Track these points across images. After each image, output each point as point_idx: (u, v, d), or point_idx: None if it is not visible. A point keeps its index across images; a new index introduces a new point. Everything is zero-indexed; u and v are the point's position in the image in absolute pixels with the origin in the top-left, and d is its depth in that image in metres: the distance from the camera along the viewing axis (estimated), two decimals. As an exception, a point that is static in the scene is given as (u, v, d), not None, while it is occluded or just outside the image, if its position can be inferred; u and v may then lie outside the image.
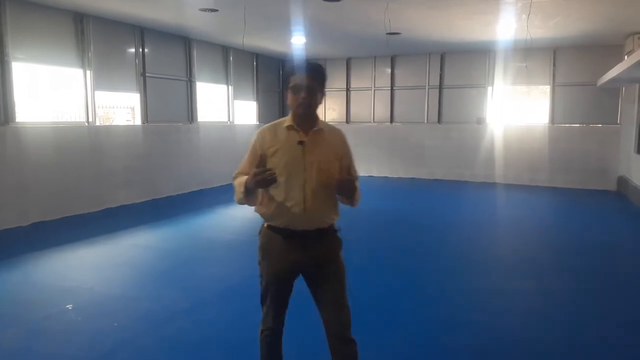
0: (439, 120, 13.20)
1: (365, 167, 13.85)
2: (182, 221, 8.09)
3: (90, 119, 8.70)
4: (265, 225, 2.64)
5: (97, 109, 8.84)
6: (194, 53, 11.06)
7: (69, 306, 4.34)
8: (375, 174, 13.78)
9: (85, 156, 8.51)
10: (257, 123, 13.67)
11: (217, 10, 8.09)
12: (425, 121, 13.34)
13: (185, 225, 7.85)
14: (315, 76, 2.51)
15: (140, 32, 9.62)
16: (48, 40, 7.96)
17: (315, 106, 2.54)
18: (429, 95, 13.25)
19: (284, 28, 9.73)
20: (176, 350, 3.60)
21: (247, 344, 3.32)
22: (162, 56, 10.26)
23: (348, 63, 13.97)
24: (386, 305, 4.49)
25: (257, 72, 13.52)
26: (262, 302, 2.69)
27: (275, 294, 2.62)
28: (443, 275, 5.37)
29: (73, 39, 8.36)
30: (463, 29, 9.71)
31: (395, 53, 13.26)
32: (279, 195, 2.51)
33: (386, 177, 13.58)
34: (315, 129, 2.55)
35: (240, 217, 8.64)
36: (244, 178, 2.49)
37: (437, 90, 13.14)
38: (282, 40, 11.21)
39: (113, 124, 9.88)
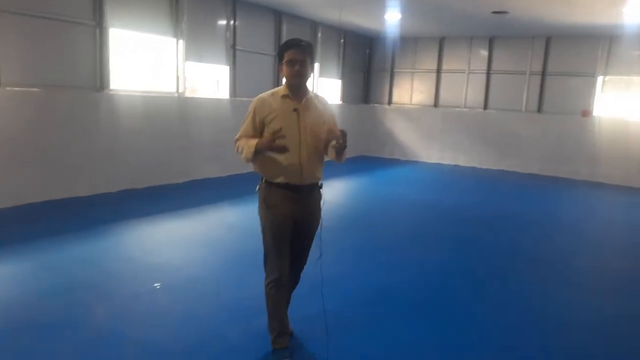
0: (539, 110, 12.11)
1: (452, 155, 13.07)
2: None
3: (180, 90, 8.62)
4: (264, 181, 3.04)
5: (186, 80, 8.74)
6: (284, 28, 10.72)
7: (157, 285, 4.15)
8: (461, 162, 12.95)
9: (174, 126, 8.46)
10: (341, 103, 13.22)
11: (315, -19, 7.65)
12: (523, 110, 12.29)
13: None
14: (307, 52, 2.95)
15: (233, 3, 9.38)
16: (144, 8, 7.89)
17: (307, 78, 2.97)
18: (529, 81, 12.16)
19: (380, 2, 9.13)
20: (268, 347, 3.27)
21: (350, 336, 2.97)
22: (252, 30, 10.01)
23: (441, 43, 13.10)
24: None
25: (344, 50, 13.01)
26: (266, 255, 3.09)
27: (280, 241, 3.00)
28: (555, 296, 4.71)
29: (168, 8, 8.25)
30: (581, 8, 8.65)
31: (495, 34, 12.25)
32: (278, 155, 2.90)
33: (474, 167, 12.71)
34: (307, 96, 2.99)
35: (328, 201, 8.29)
36: (253, 141, 2.90)
37: (540, 76, 12.03)
38: (375, 16, 10.61)
39: (197, 95, 9.79)
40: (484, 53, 12.63)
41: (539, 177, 11.67)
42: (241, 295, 4.05)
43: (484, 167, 12.64)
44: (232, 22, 9.47)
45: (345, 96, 13.39)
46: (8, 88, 6.27)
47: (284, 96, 2.96)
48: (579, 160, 11.63)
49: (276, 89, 3.04)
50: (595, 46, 11.33)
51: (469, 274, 4.99)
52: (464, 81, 12.96)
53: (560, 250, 6.08)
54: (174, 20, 8.35)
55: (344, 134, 2.85)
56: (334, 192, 9.10)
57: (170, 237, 5.72)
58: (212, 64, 9.42)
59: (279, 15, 10.56)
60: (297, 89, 2.96)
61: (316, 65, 11.99)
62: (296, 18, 11.05)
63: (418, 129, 13.56)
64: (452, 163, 13.04)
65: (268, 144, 2.84)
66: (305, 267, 3.29)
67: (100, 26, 7.24)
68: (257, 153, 2.89)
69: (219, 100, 9.61)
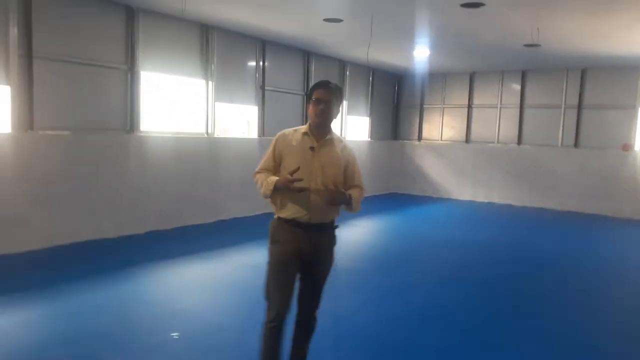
0: (576, 144, 11.69)
1: (486, 192, 12.67)
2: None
3: (209, 130, 8.68)
4: (276, 216, 3.02)
5: (216, 120, 8.80)
6: (312, 67, 10.80)
7: (175, 335, 3.99)
8: (496, 200, 12.53)
9: (202, 167, 8.47)
10: (369, 140, 13.12)
11: (342, 21, 7.67)
12: (560, 144, 11.88)
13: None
14: (334, 93, 2.98)
15: (262, 44, 9.52)
16: (175, 51, 8.05)
17: (331, 118, 2.99)
18: (564, 115, 11.80)
19: (408, 39, 9.09)
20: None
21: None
22: (281, 70, 10.10)
23: (472, 78, 12.93)
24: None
25: (372, 87, 13.00)
26: (267, 292, 3.01)
27: (283, 278, 2.95)
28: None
29: (198, 50, 8.41)
30: (617, 40, 8.39)
31: (527, 68, 12.02)
32: (290, 191, 2.86)
33: (509, 205, 12.27)
34: (326, 138, 3.00)
35: (357, 242, 8.07)
36: (273, 178, 2.90)
37: (575, 110, 11.65)
38: (403, 53, 10.58)
39: (228, 135, 9.84)
40: (517, 87, 12.38)
41: (578, 215, 11.15)
42: (263, 346, 3.83)
43: (519, 204, 12.19)
44: (261, 63, 9.58)
45: (373, 133, 13.29)
46: (40, 132, 6.40)
47: (304, 133, 2.99)
48: (621, 197, 11.06)
49: (301, 126, 3.07)
50: (634, 76, 10.93)
51: (503, 322, 4.65)
52: (496, 116, 12.69)
53: (603, 295, 5.66)
54: (204, 62, 8.49)
55: (331, 190, 2.81)
56: (363, 232, 8.88)
57: (194, 280, 5.60)
58: (241, 105, 9.50)
59: (307, 55, 10.65)
60: (319, 128, 2.98)
61: (344, 103, 11.98)
62: (324, 57, 11.12)
63: (449, 165, 13.27)
64: (486, 200, 12.63)
65: (286, 184, 2.83)
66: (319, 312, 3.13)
67: (132, 70, 7.40)
68: (276, 190, 2.88)
69: (248, 140, 9.63)
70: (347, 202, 2.93)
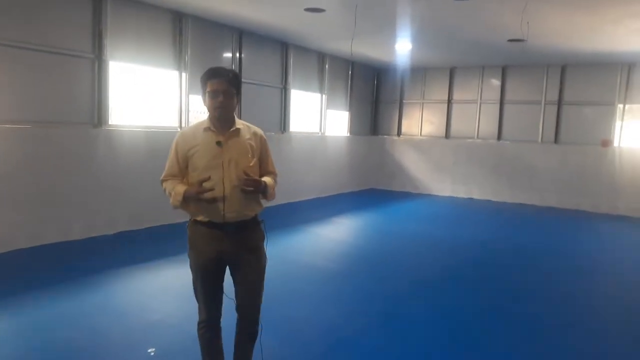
0: (556, 140, 11.65)
1: (465, 188, 12.57)
2: (271, 240, 7.22)
3: (183, 124, 8.23)
4: (192, 219, 2.81)
5: (190, 113, 8.37)
6: (290, 59, 10.42)
7: (152, 351, 3.62)
8: (476, 196, 12.43)
9: (175, 163, 8.03)
10: (349, 135, 12.84)
11: (324, 11, 7.33)
12: (539, 140, 11.83)
13: (275, 247, 6.94)
14: (231, 81, 2.74)
15: (239, 35, 9.10)
16: (146, 40, 7.57)
17: (232, 109, 2.79)
18: (544, 111, 11.74)
19: (390, 32, 8.82)
20: None
21: None
22: (258, 61, 9.70)
23: (452, 73, 12.76)
24: None
25: (352, 80, 12.70)
26: (195, 295, 2.89)
27: (204, 284, 2.80)
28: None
29: (170, 40, 7.95)
30: (601, 36, 8.29)
31: (508, 63, 11.91)
32: (208, 194, 2.66)
33: (489, 200, 12.19)
34: (232, 129, 2.77)
35: (335, 240, 7.79)
36: (180, 188, 2.72)
37: (556, 106, 11.61)
38: (384, 47, 10.31)
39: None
40: (497, 82, 12.27)
41: (557, 210, 11.13)
42: None
43: (499, 200, 12.11)
44: (237, 54, 9.17)
45: (353, 128, 13.01)
46: (0, 126, 5.88)
47: (206, 129, 2.77)
48: (599, 193, 11.09)
49: (200, 121, 2.85)
50: (613, 73, 10.93)
51: (488, 320, 4.43)
52: (475, 111, 12.56)
53: (583, 291, 5.53)
54: (177, 52, 8.03)
55: (246, 178, 2.67)
56: (340, 230, 8.62)
57: (169, 286, 5.21)
58: (216, 97, 9.06)
59: (285, 47, 10.27)
60: (222, 122, 2.76)
61: (323, 98, 11.66)
62: (303, 49, 10.76)
63: (429, 160, 13.11)
64: (466, 196, 12.52)
65: (196, 193, 2.65)
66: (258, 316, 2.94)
67: (100, 59, 6.90)
68: (185, 201, 2.72)
69: (223, 135, 9.21)
70: (263, 191, 2.76)
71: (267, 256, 2.92)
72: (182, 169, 2.78)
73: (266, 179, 2.81)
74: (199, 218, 2.75)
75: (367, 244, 7.79)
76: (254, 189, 2.70)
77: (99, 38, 6.86)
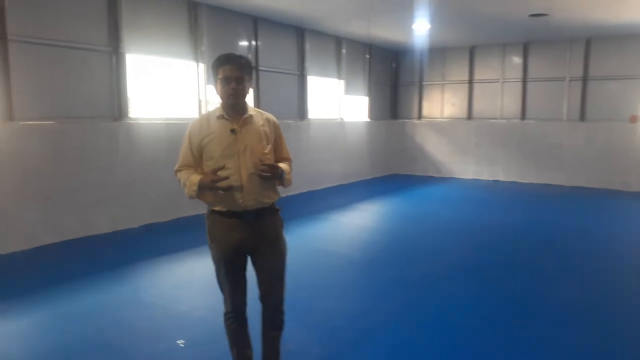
0: (582, 118, 11.31)
1: (490, 169, 12.32)
2: (292, 229, 7.13)
3: (202, 114, 8.20)
4: (210, 210, 2.77)
5: (208, 104, 8.33)
6: (307, 45, 10.29)
7: (181, 342, 3.60)
8: (501, 177, 12.18)
9: (196, 154, 8.01)
10: (369, 120, 12.68)
11: (339, -8, 7.18)
12: (565, 118, 11.50)
13: (296, 235, 6.81)
14: (243, 67, 2.68)
15: (254, 22, 9.00)
16: (161, 31, 7.53)
17: (245, 95, 2.72)
18: (569, 88, 11.40)
19: (407, 12, 8.60)
20: None
21: None
22: (274, 48, 9.59)
23: (472, 52, 12.47)
24: None
25: (370, 64, 12.50)
26: (219, 287, 2.86)
27: (227, 275, 2.76)
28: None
29: (186, 30, 7.89)
30: (629, 5, 7.95)
31: (529, 40, 11.57)
32: (222, 182, 2.61)
33: (515, 182, 11.93)
34: (245, 116, 2.72)
35: (357, 227, 7.71)
36: (195, 177, 2.67)
37: (581, 82, 11.25)
38: (402, 28, 10.09)
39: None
40: (518, 60, 11.94)
41: (586, 190, 10.84)
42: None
43: (525, 181, 11.85)
44: (253, 42, 9.08)
45: (372, 113, 12.84)
46: (22, 123, 5.92)
47: (219, 117, 2.72)
48: (629, 170, 10.76)
49: (212, 110, 2.81)
50: (641, 46, 10.54)
51: (530, 315, 4.31)
52: (498, 91, 12.26)
53: (619, 270, 5.34)
54: (193, 42, 7.98)
55: (263, 164, 2.61)
56: (363, 216, 8.52)
57: (194, 278, 5.20)
58: (234, 86, 9.00)
59: (301, 32, 10.14)
60: (234, 108, 2.71)
61: (342, 83, 11.51)
62: (319, 34, 10.61)
63: (451, 143, 12.88)
64: (491, 178, 12.28)
65: (211, 182, 2.61)
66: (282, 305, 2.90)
67: (117, 52, 6.89)
68: (201, 190, 2.67)
69: (242, 124, 9.16)
70: (280, 177, 2.71)
71: (287, 243, 2.88)
72: (197, 159, 2.74)
73: (282, 165, 2.76)
74: (217, 208, 2.72)
75: (391, 230, 7.69)
76: (271, 175, 2.64)
77: (115, 31, 6.84)
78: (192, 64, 8.03)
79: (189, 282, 5.08)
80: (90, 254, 5.86)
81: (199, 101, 8.17)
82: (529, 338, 3.77)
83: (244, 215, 2.68)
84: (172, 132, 7.65)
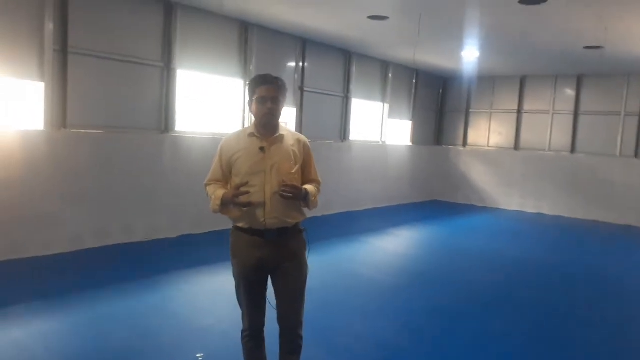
0: (637, 154, 10.82)
1: (534, 202, 11.94)
2: (326, 249, 7.11)
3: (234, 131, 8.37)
4: (234, 226, 2.81)
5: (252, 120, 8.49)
6: (353, 68, 10.38)
7: (200, 356, 3.65)
8: (546, 211, 11.77)
9: (236, 169, 8.15)
10: (411, 144, 12.58)
11: (387, 18, 7.23)
12: (618, 154, 11.04)
13: (329, 256, 6.84)
14: (280, 89, 2.75)
15: (302, 43, 9.18)
16: (213, 49, 7.80)
17: (279, 115, 2.78)
18: (624, 123, 10.95)
19: (456, 39, 8.55)
20: None
21: None
22: (320, 70, 9.73)
23: (522, 82, 12.21)
24: None
25: (416, 89, 12.46)
26: (239, 303, 2.88)
27: (245, 292, 2.80)
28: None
29: (236, 49, 8.14)
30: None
31: (584, 72, 11.23)
32: (243, 197, 2.66)
33: (560, 216, 11.50)
34: (275, 135, 2.77)
35: (391, 252, 7.62)
36: (220, 192, 2.75)
37: (637, 118, 10.80)
38: (450, 55, 10.02)
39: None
40: (571, 92, 11.59)
41: (637, 230, 10.30)
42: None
43: (572, 216, 11.39)
44: (301, 63, 9.25)
45: (416, 137, 12.75)
46: (73, 130, 6.24)
47: (250, 134, 2.78)
48: (687, 212, 10.17)
49: (245, 127, 2.90)
50: None
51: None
52: (547, 122, 11.92)
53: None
54: (243, 61, 8.21)
55: (285, 184, 2.63)
56: (398, 242, 8.41)
57: (225, 292, 5.23)
58: (279, 105, 9.16)
59: (348, 55, 10.25)
60: (267, 128, 2.77)
61: (386, 107, 11.51)
62: (366, 58, 10.69)
63: (496, 173, 12.58)
64: (535, 211, 11.89)
65: (232, 197, 2.66)
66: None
67: (168, 67, 7.18)
68: (223, 205, 2.73)
69: (284, 142, 9.28)
70: (304, 198, 2.71)
71: (308, 265, 2.88)
72: (226, 174, 2.81)
73: (308, 187, 2.77)
74: (240, 224, 2.75)
75: (424, 258, 7.55)
76: (292, 196, 2.65)
77: (169, 46, 7.13)
78: (240, 81, 8.25)
79: (217, 295, 5.15)
80: (127, 261, 6.06)
81: (244, 118, 8.36)
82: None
83: (265, 234, 2.70)
84: (216, 146, 7.85)
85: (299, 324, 2.85)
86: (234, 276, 2.87)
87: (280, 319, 2.84)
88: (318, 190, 2.87)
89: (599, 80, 11.25)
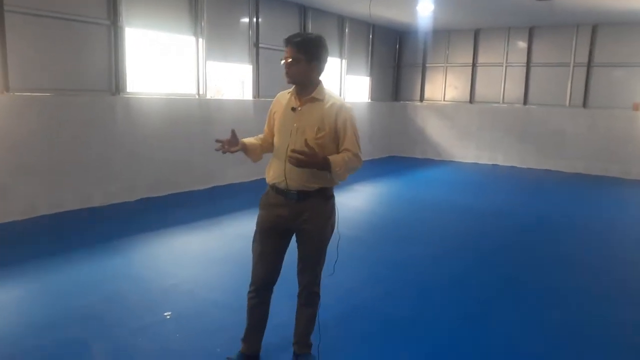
0: (585, 104, 11.23)
1: (489, 154, 12.30)
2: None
3: (201, 91, 8.17)
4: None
5: (207, 81, 8.28)
6: (309, 23, 10.18)
7: (167, 314, 3.66)
8: (500, 162, 12.16)
9: (195, 130, 8.00)
10: (370, 101, 12.61)
11: (341, -30, 7.07)
12: (567, 104, 11.43)
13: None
14: (298, 47, 2.65)
15: (255, -3, 8.90)
16: (161, 5, 7.46)
17: (300, 76, 2.69)
18: (573, 74, 11.29)
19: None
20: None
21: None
22: (275, 26, 9.49)
23: (476, 35, 12.33)
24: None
25: (372, 45, 12.38)
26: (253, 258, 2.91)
27: (258, 245, 2.85)
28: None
29: (186, 5, 7.81)
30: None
31: (535, 24, 11.42)
32: (273, 154, 2.81)
33: (514, 166, 11.92)
34: (309, 97, 2.71)
35: (356, 208, 7.70)
36: (246, 139, 2.87)
37: (585, 68, 11.14)
38: (406, 8, 9.96)
39: (223, 97, 9.36)
40: (523, 44, 11.81)
41: (586, 177, 10.82)
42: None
43: (525, 166, 11.83)
44: (254, 19, 8.99)
45: (374, 94, 12.77)
46: (17, 94, 5.91)
47: (291, 93, 2.81)
48: (630, 158, 10.73)
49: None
50: (648, 33, 10.40)
51: (516, 293, 4.35)
52: (501, 75, 12.16)
53: (616, 259, 5.37)
54: (194, 17, 7.91)
55: (293, 150, 2.56)
56: (361, 197, 8.53)
57: (187, 252, 5.25)
58: (234, 64, 8.96)
59: (303, 10, 10.03)
60: (299, 89, 2.75)
61: (343, 62, 11.42)
62: (322, 13, 10.50)
63: (452, 126, 12.82)
64: (490, 162, 12.26)
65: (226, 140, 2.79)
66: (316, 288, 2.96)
67: (115, 25, 6.83)
68: (245, 153, 2.88)
69: (241, 102, 9.14)
70: (322, 167, 2.57)
71: (333, 229, 2.92)
72: (271, 127, 2.89)
73: (334, 156, 2.61)
74: (268, 179, 2.82)
75: (388, 212, 7.71)
76: (304, 163, 2.52)
77: (114, 4, 6.77)
78: (192, 39, 7.97)
79: (182, 257, 5.13)
80: (85, 227, 5.91)
81: (198, 77, 8.13)
82: (516, 316, 3.82)
83: (287, 194, 2.73)
84: (171, 108, 7.66)
85: (314, 280, 2.92)
86: (255, 229, 2.92)
87: (298, 275, 2.93)
88: (350, 160, 2.65)
89: (549, 31, 11.49)
